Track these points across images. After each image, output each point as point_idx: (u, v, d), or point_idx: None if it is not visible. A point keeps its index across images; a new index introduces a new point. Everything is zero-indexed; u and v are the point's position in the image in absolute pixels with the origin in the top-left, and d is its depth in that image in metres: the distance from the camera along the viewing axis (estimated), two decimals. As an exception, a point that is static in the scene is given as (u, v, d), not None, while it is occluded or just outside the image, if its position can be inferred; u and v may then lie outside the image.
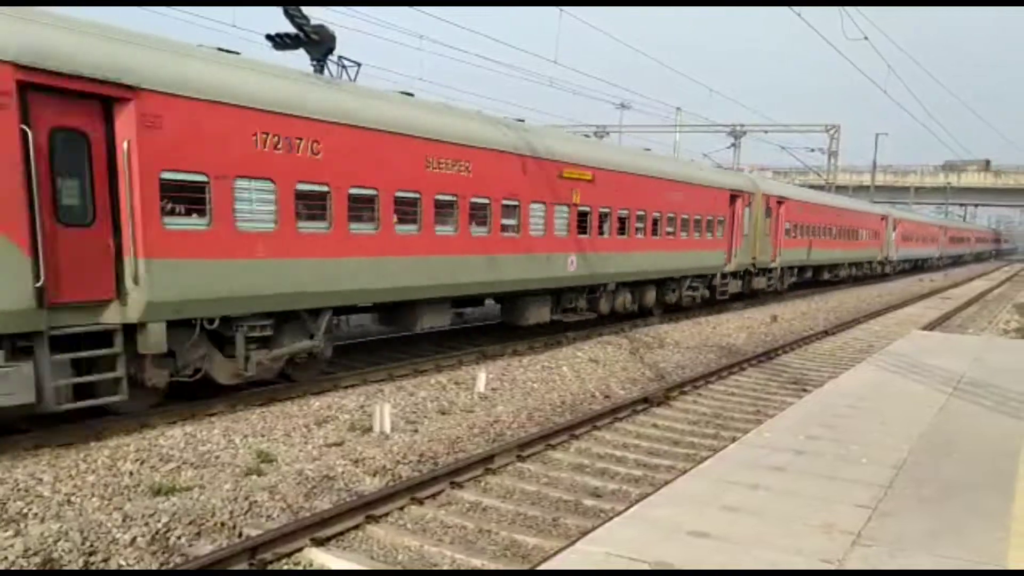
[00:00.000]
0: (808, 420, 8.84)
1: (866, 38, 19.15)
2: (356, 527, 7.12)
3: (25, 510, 6.89)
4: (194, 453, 8.66)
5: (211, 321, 10.09)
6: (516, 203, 15.38)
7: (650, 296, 21.48)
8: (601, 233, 18.33)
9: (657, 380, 14.43)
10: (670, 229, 21.52)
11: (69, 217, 8.60)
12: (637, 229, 19.95)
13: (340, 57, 13.28)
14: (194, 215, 9.76)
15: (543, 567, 5.19)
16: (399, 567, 6.59)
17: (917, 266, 57.63)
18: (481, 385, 12.38)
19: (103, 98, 8.74)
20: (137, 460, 8.23)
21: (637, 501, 6.60)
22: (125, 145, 8.87)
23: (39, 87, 8.15)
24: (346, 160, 11.53)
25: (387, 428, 9.86)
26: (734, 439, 8.94)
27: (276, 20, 16.22)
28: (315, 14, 12.72)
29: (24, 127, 8.00)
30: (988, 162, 71.20)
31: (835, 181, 49.16)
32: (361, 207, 11.96)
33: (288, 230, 10.76)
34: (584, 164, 17.52)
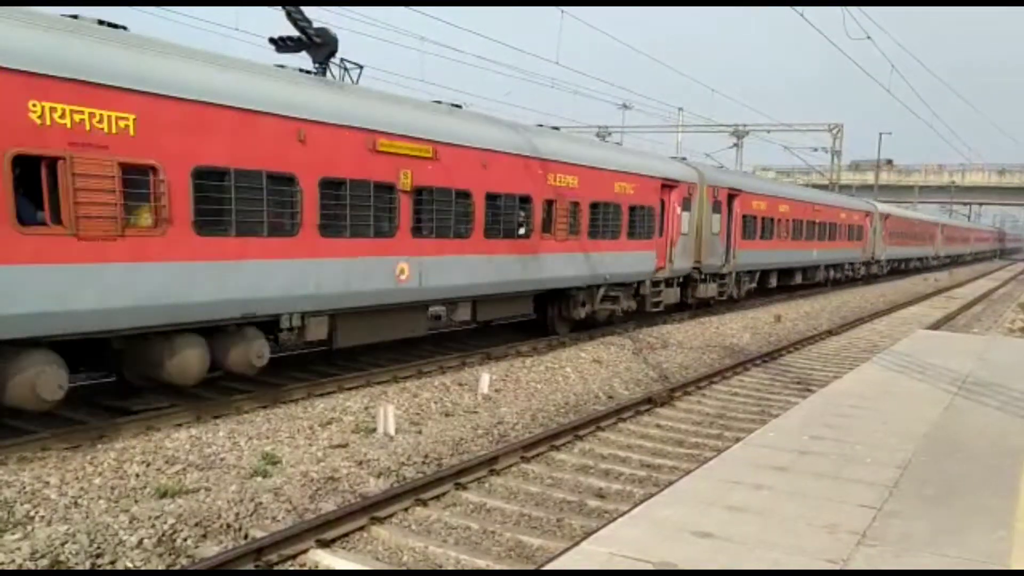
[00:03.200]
0: (812, 420, 8.84)
1: (869, 37, 19.14)
2: (361, 528, 7.14)
3: (32, 512, 6.92)
4: (199, 455, 8.69)
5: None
6: (802, 220, 31.35)
7: (828, 274, 36.42)
8: (819, 237, 33.61)
9: (661, 380, 14.44)
10: (843, 235, 37.28)
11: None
12: (834, 234, 35.64)
13: (342, 60, 13.33)
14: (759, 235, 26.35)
15: (547, 567, 5.20)
16: (404, 568, 6.61)
17: (953, 261, 74.45)
18: (484, 386, 12.39)
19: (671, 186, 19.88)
20: (143, 462, 8.26)
21: (641, 501, 6.61)
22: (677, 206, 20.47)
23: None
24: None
25: (391, 430, 9.88)
26: (738, 439, 8.95)
27: (279, 23, 16.29)
28: (316, 16, 12.77)
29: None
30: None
31: (839, 180, 49.11)
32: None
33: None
34: (818, 203, 33.80)
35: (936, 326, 23.48)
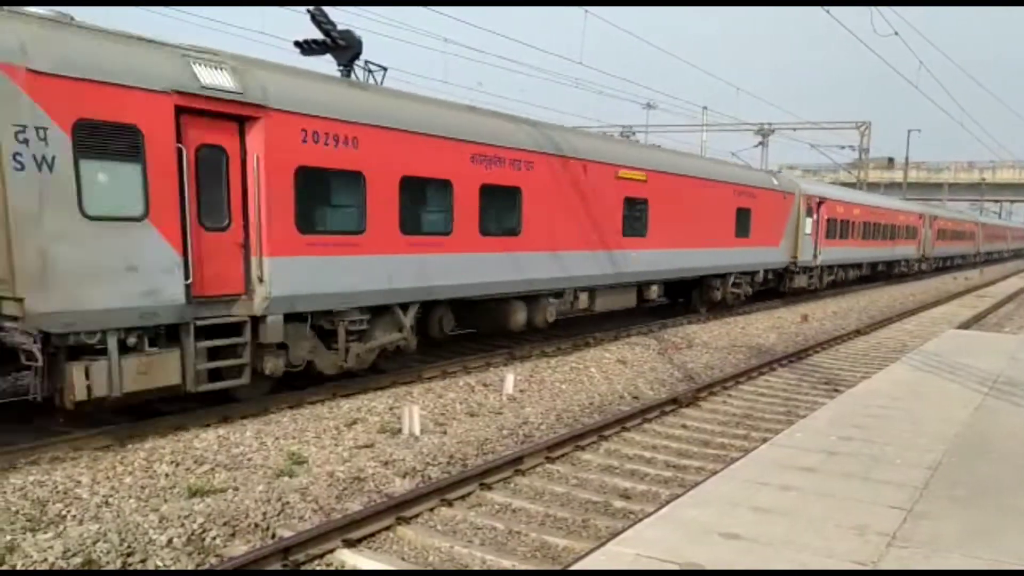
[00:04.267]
0: (840, 420, 8.76)
1: (896, 34, 18.91)
2: (387, 528, 7.18)
3: (64, 512, 7.03)
4: (227, 455, 8.77)
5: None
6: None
7: (957, 261, 60.05)
8: (961, 239, 59.49)
9: (686, 381, 14.36)
10: (967, 238, 62.79)
11: None
12: (963, 237, 59.34)
13: (367, 62, 13.40)
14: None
15: (573, 568, 5.19)
16: (430, 568, 6.63)
17: (1015, 254, 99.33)
18: (509, 386, 12.40)
19: None
20: (172, 462, 8.36)
21: (667, 502, 6.58)
22: None
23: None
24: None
25: (416, 430, 9.92)
26: (765, 440, 8.88)
27: (304, 26, 16.41)
28: (340, 18, 12.86)
29: None
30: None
31: (867, 179, 48.61)
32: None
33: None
34: (962, 220, 60.56)
35: (966, 325, 23.15)
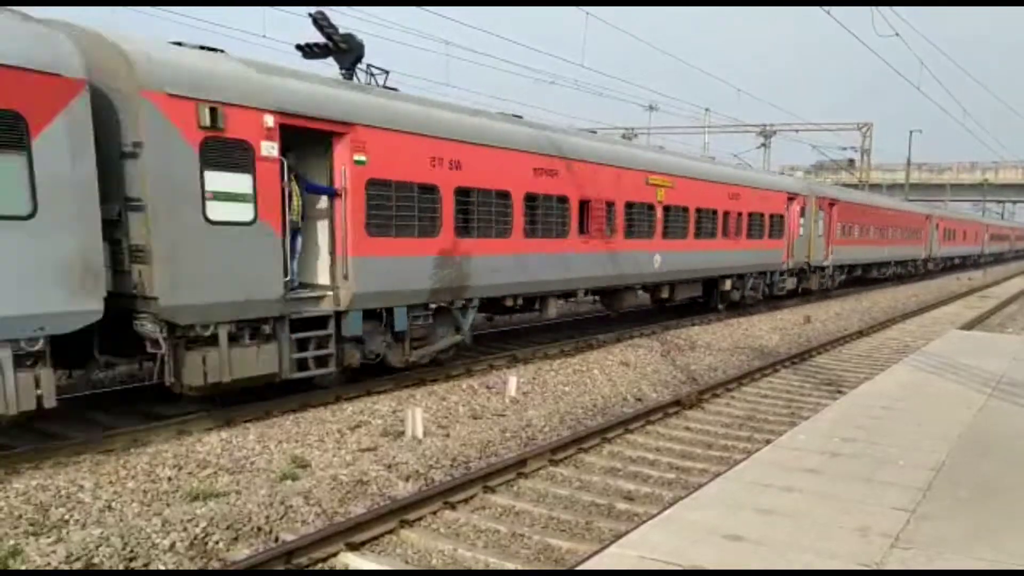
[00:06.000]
0: (843, 422, 8.74)
1: (897, 34, 18.89)
2: (390, 531, 7.17)
3: (67, 516, 7.03)
4: (230, 459, 8.77)
5: None
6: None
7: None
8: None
9: (689, 382, 14.34)
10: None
11: None
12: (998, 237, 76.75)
13: (369, 65, 13.39)
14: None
15: (577, 569, 5.19)
16: (433, 569, 6.63)
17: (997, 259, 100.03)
18: (512, 389, 12.39)
19: None
20: (175, 466, 8.36)
21: (670, 504, 6.58)
22: None
23: None
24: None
25: (419, 433, 9.92)
26: (768, 441, 8.87)
27: (305, 30, 16.43)
28: (341, 22, 12.87)
29: None
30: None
31: (869, 179, 48.57)
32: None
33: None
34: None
35: (969, 326, 23.10)
